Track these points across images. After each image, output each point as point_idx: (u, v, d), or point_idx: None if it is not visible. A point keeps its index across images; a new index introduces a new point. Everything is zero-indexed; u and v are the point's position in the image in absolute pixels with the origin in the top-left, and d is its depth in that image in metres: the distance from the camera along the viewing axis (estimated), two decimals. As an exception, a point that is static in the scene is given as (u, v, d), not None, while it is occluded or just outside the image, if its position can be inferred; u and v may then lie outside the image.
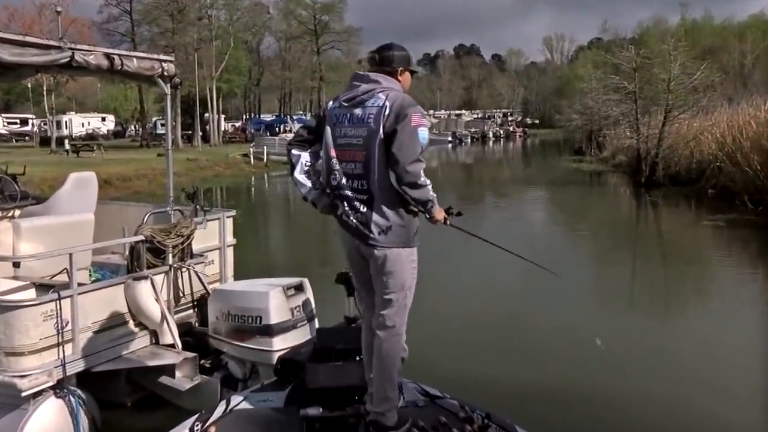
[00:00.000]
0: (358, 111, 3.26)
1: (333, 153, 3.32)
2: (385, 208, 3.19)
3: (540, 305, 8.64)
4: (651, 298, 9.52)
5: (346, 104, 3.32)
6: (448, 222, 3.36)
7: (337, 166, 3.30)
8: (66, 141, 40.06)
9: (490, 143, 77.25)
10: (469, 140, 75.37)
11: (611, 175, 29.91)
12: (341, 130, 3.31)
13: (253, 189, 29.16)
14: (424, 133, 3.19)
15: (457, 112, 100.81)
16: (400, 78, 3.37)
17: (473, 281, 9.90)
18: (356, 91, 3.30)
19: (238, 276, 5.76)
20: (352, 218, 3.26)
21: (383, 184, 3.17)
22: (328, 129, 3.37)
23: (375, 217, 3.19)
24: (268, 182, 32.08)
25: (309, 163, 3.47)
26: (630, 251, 13.65)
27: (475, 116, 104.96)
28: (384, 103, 3.20)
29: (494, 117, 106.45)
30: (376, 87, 3.27)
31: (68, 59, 4.83)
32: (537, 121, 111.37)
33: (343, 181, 3.29)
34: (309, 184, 3.46)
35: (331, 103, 3.46)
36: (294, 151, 3.51)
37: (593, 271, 11.61)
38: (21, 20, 40.90)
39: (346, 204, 3.28)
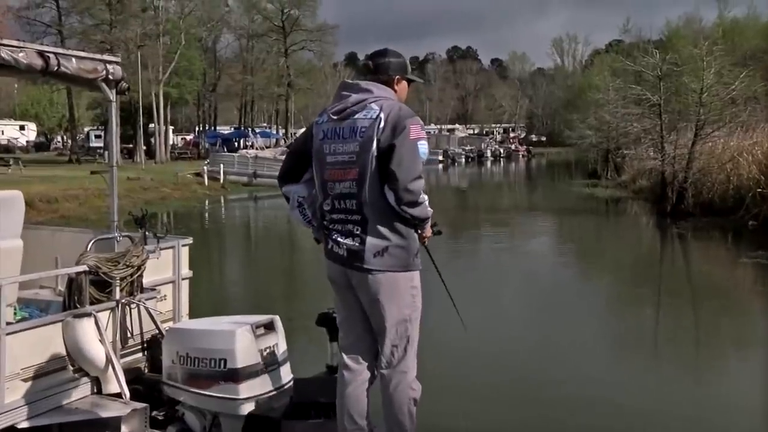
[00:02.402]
0: (348, 124, 3.42)
1: (324, 174, 3.48)
2: (381, 228, 3.35)
3: (550, 355, 8.78)
4: (680, 351, 9.63)
5: (335, 117, 3.47)
6: (426, 242, 3.58)
7: (330, 188, 3.45)
8: (-28, 154, 39.96)
9: (488, 164, 78.15)
10: (463, 160, 76.29)
11: (631, 202, 30.37)
12: (330, 146, 3.46)
13: (207, 214, 29.18)
14: (424, 147, 3.39)
15: (450, 126, 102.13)
16: (396, 87, 3.56)
17: (476, 320, 9.99)
18: (346, 102, 3.45)
19: (193, 314, 5.83)
20: (342, 245, 3.41)
21: (377, 202, 3.34)
22: (317, 147, 3.52)
23: (369, 238, 3.36)
24: (225, 207, 32.15)
25: (301, 197, 3.63)
26: (654, 293, 13.85)
27: (471, 132, 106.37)
28: (378, 115, 3.36)
29: (493, 133, 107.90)
30: (368, 96, 3.44)
31: (-10, 57, 4.86)
32: (543, 138, 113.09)
33: (336, 203, 3.44)
34: (303, 219, 3.65)
35: (318, 117, 3.63)
36: (284, 188, 3.69)
37: (611, 318, 11.71)
38: None
39: (337, 230, 3.43)
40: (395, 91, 3.55)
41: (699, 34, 37.76)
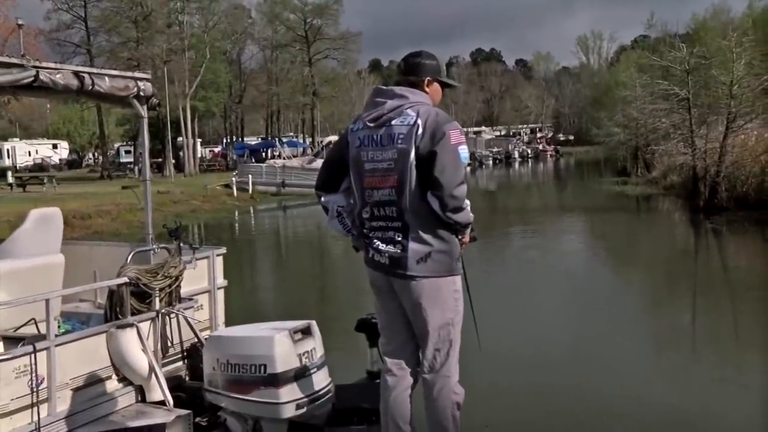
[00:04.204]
0: (385, 131, 3.43)
1: (362, 181, 3.51)
2: (423, 234, 3.38)
3: (590, 356, 8.76)
4: (720, 350, 9.43)
5: (371, 125, 3.48)
6: (464, 247, 3.60)
7: (369, 196, 3.48)
8: (9, 173, 40.61)
9: (516, 165, 77.85)
10: (490, 162, 76.12)
11: (662, 199, 30.10)
12: (368, 154, 3.48)
13: (237, 225, 29.46)
14: (465, 152, 3.41)
15: (476, 129, 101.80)
16: (427, 89, 3.56)
17: (513, 321, 10.00)
18: (381, 109, 3.47)
19: (228, 322, 5.95)
20: (384, 253, 3.43)
21: (417, 208, 3.37)
22: (354, 155, 3.54)
23: (412, 244, 3.38)
24: (255, 217, 32.41)
25: (340, 206, 3.66)
26: (690, 290, 13.68)
27: (497, 134, 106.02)
28: (415, 121, 3.37)
29: (520, 134, 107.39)
30: (404, 103, 3.44)
31: (32, 79, 5.01)
32: (571, 138, 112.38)
33: (375, 211, 3.47)
34: (343, 229, 3.68)
35: (352, 125, 3.64)
36: (323, 198, 3.71)
37: (648, 317, 11.54)
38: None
39: (377, 237, 3.47)
40: (426, 92, 3.54)
41: (728, 26, 37.19)
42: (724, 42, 26.41)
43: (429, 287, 3.40)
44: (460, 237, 3.48)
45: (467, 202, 3.40)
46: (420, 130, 3.36)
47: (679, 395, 7.40)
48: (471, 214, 3.44)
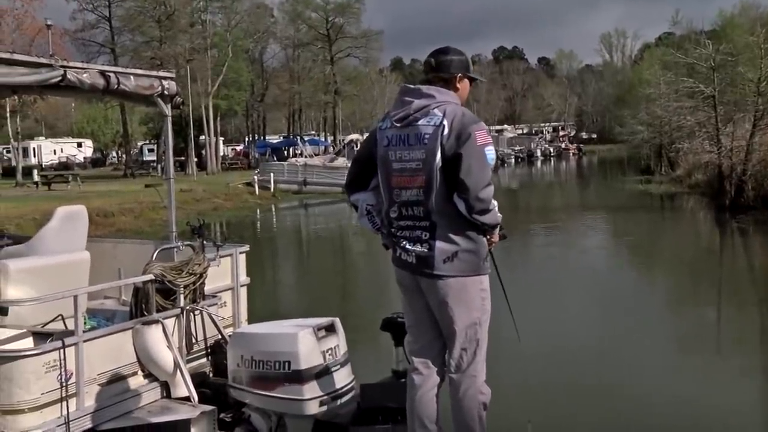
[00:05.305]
0: (412, 131, 3.42)
1: (390, 181, 3.51)
2: (450, 233, 3.37)
3: (617, 356, 8.73)
4: (746, 351, 9.38)
5: (398, 124, 3.48)
6: (494, 246, 3.57)
7: (397, 195, 3.48)
8: (35, 171, 41.14)
9: (538, 163, 77.53)
10: (512, 160, 75.80)
11: (687, 197, 29.86)
12: (396, 153, 3.48)
13: (259, 223, 29.63)
14: (491, 153, 3.38)
15: (498, 127, 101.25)
16: (458, 86, 3.54)
17: (539, 321, 9.93)
18: (408, 108, 3.45)
19: (251, 320, 6.00)
20: (411, 252, 3.43)
21: (444, 208, 3.36)
22: (382, 154, 3.54)
23: (439, 243, 3.37)
24: (277, 215, 32.55)
25: (370, 204, 3.67)
26: (716, 290, 13.58)
27: (520, 132, 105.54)
28: (441, 121, 3.36)
29: (542, 132, 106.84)
30: (431, 102, 3.42)
31: (60, 78, 5.08)
32: (594, 136, 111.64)
33: (403, 210, 3.47)
34: (373, 227, 3.69)
35: (380, 123, 3.64)
36: (353, 196, 3.72)
37: (674, 317, 11.50)
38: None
39: (405, 236, 3.47)
40: (457, 89, 3.53)
41: (756, 22, 36.74)
42: (752, 38, 26.16)
43: (455, 286, 3.40)
44: (488, 237, 3.47)
45: (494, 202, 3.39)
46: (446, 131, 3.34)
47: (705, 393, 7.37)
48: (499, 215, 3.42)
